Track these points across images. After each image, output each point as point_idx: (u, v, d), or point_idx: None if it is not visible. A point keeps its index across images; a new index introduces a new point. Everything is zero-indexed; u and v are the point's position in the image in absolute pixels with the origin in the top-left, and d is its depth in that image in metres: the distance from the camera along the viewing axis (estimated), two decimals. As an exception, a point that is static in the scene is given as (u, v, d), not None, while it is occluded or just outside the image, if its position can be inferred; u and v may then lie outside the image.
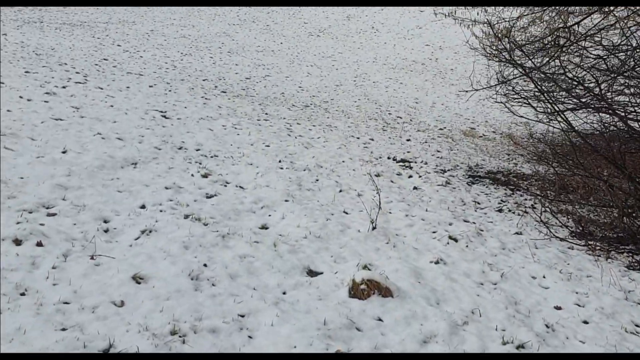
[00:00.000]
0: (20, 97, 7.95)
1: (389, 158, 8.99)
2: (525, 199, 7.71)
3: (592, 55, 8.30)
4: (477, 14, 8.35)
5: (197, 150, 7.36)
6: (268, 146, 8.25)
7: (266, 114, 10.82)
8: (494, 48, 7.23)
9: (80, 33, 16.35)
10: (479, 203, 7.19)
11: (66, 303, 3.26)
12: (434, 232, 5.70)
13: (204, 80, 13.44)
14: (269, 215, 5.46)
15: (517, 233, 6.10)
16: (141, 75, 12.43)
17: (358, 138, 10.15)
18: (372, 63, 19.64)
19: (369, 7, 25.99)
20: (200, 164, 6.78)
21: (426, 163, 8.93)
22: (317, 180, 6.96)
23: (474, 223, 6.23)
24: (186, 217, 4.94)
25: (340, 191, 6.67)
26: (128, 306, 3.37)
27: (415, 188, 7.45)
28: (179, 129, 8.21)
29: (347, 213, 5.91)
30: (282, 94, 13.65)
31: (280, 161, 7.53)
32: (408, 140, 10.74)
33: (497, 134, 13.05)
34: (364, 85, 16.50)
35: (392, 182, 7.59)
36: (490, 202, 7.29)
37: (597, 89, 7.96)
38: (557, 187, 8.29)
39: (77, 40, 15.29)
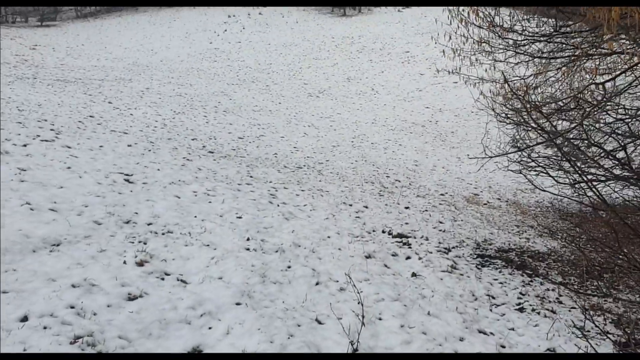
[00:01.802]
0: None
1: (383, 232, 7.26)
2: (548, 289, 5.90)
3: (611, 117, 6.78)
4: (485, 70, 6.87)
5: (149, 224, 5.66)
6: (240, 217, 6.55)
7: (251, 177, 9.21)
8: (509, 108, 5.60)
9: (73, 89, 15.00)
10: (493, 297, 5.37)
11: None
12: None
13: (192, 139, 11.93)
14: (209, 329, 3.66)
15: (549, 350, 4.28)
16: (125, 133, 10.93)
17: (350, 205, 8.47)
18: (371, 124, 18.18)
19: (369, 70, 24.86)
20: (145, 244, 5.07)
21: (427, 239, 7.18)
22: (289, 267, 5.14)
23: (492, 334, 4.40)
24: (75, 340, 3.14)
25: (317, 284, 4.84)
26: None
27: (414, 275, 5.67)
28: (137, 197, 6.55)
29: (320, 323, 4.06)
30: (274, 155, 12.12)
31: (248, 239, 5.78)
32: (407, 207, 9.03)
33: (502, 201, 11.30)
34: (362, 147, 14.95)
35: (385, 266, 5.81)
36: (508, 296, 5.47)
37: (623, 153, 6.37)
38: (583, 272, 6.52)
39: (67, 96, 13.92)
